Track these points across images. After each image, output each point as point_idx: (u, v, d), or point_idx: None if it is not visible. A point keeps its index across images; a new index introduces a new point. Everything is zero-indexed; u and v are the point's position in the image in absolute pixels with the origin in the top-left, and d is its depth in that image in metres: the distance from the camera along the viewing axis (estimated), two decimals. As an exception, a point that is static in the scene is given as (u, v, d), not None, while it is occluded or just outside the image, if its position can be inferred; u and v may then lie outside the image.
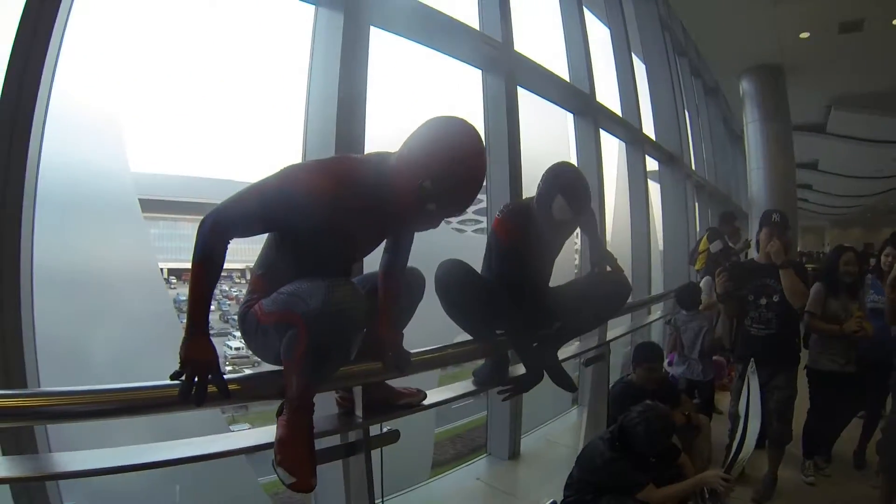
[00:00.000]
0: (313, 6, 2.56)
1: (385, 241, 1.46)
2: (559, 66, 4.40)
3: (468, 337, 1.84)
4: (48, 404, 1.07)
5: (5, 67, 1.76)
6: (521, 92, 3.58)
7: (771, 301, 2.77)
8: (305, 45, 2.63)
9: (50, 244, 2.02)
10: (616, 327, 3.55)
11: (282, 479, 1.13)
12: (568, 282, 2.08)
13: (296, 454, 1.15)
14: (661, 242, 6.10)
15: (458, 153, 1.17)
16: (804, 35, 7.38)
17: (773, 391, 2.74)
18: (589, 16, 5.10)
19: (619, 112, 5.13)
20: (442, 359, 1.70)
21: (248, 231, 1.20)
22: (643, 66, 6.26)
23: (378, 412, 1.53)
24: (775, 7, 6.46)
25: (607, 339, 2.72)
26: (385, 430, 1.61)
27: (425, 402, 1.62)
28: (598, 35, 5.33)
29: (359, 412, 1.50)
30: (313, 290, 1.11)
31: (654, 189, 6.13)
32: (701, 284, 3.97)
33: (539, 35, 4.69)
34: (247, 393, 1.22)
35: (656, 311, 4.20)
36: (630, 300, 3.78)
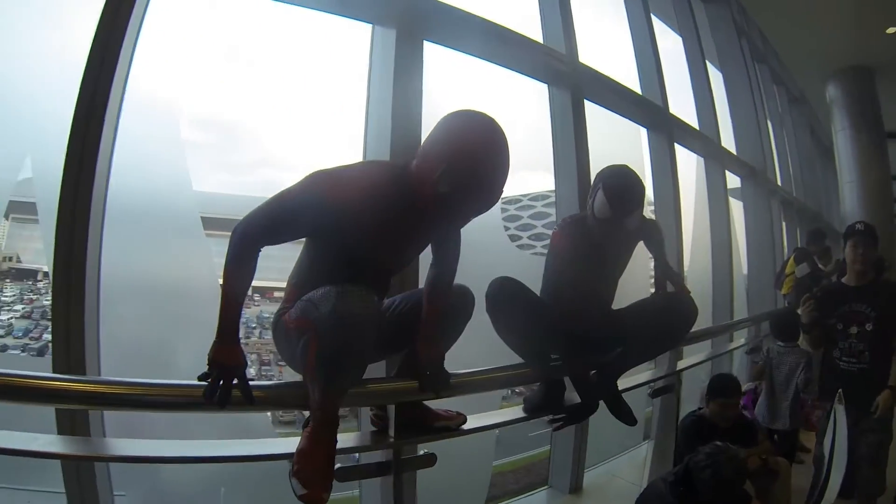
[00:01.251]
0: (370, 25, 2.54)
1: (432, 254, 1.43)
2: (629, 77, 4.15)
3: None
4: (88, 389, 1.19)
5: (78, 88, 1.91)
6: (589, 106, 3.36)
7: (863, 330, 2.36)
8: (364, 63, 2.61)
9: (117, 256, 2.15)
10: (692, 355, 3.23)
11: (294, 489, 1.12)
12: (631, 303, 1.87)
13: (312, 466, 1.14)
14: (744, 265, 5.57)
15: (469, 135, 1.16)
16: (891, 30, 6.60)
17: (864, 434, 2.33)
18: (659, 24, 4.83)
19: (695, 125, 4.77)
20: (485, 382, 1.61)
21: (275, 238, 1.19)
22: (720, 75, 5.83)
23: (412, 433, 1.49)
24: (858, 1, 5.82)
25: (678, 368, 2.49)
26: (422, 452, 1.58)
27: (466, 427, 1.56)
28: (670, 44, 5.04)
29: (391, 431, 1.46)
30: (325, 296, 1.10)
31: (737, 207, 5.63)
32: None
33: (606, 46, 4.48)
34: (271, 400, 1.27)
35: (738, 339, 3.80)
36: (710, 326, 3.44)
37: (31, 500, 2.38)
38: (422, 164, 1.20)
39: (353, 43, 2.70)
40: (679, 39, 5.17)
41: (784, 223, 6.76)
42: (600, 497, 3.03)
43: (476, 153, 1.15)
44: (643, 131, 4.13)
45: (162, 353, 2.40)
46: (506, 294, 1.63)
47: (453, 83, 3.01)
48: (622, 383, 1.87)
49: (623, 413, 1.76)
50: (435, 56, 2.60)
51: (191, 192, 2.56)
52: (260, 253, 1.19)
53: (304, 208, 1.16)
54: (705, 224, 4.83)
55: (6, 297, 8.61)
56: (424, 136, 2.32)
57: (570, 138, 3.17)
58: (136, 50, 2.28)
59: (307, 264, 1.33)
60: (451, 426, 1.54)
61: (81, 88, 1.88)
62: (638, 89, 4.13)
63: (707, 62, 5.29)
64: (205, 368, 1.15)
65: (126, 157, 2.20)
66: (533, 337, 1.64)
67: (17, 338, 7.89)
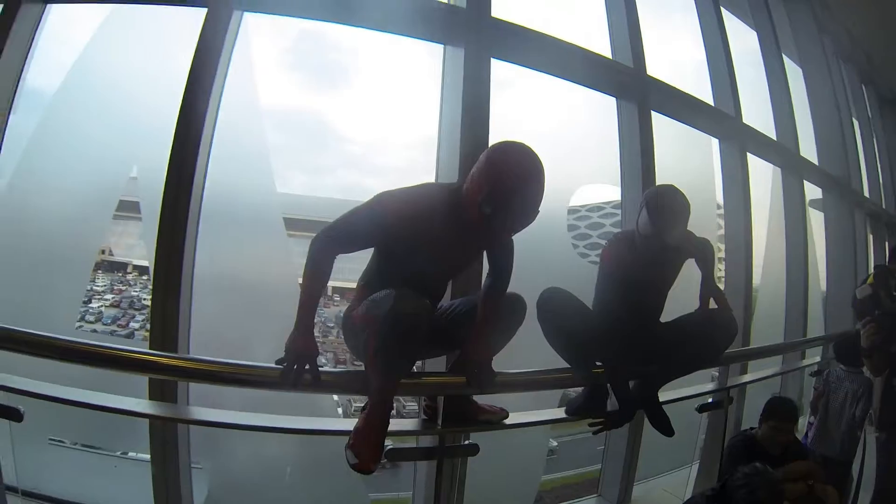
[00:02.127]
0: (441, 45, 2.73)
1: (488, 264, 1.61)
2: (701, 83, 4.01)
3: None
4: (181, 364, 1.47)
5: (181, 99, 2.29)
6: (659, 118, 3.34)
7: None
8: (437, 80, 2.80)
9: (210, 254, 2.48)
10: (758, 370, 3.20)
11: (347, 459, 1.32)
12: (677, 317, 1.94)
13: (365, 441, 1.33)
14: (823, 281, 5.22)
15: (506, 163, 1.34)
16: None
17: None
18: (734, 21, 4.62)
19: (772, 131, 4.53)
20: (528, 383, 1.76)
21: (348, 247, 1.41)
22: (800, 73, 5.47)
23: (458, 423, 1.67)
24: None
25: (727, 385, 2.46)
26: (466, 442, 1.78)
27: (507, 422, 1.71)
28: (746, 44, 4.79)
29: (439, 420, 1.65)
30: (385, 298, 1.29)
31: (819, 218, 5.30)
32: None
33: (677, 52, 4.35)
34: (336, 385, 1.48)
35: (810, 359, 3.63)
36: (778, 343, 3.30)
37: (118, 465, 2.69)
38: (469, 187, 1.38)
39: (428, 61, 2.86)
40: (755, 37, 4.90)
41: (871, 237, 6.26)
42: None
43: (511, 179, 1.32)
44: (714, 141, 3.99)
45: (244, 341, 2.62)
46: (554, 304, 1.73)
47: (521, 98, 3.06)
48: (670, 395, 1.98)
49: (661, 424, 1.85)
50: (504, 72, 2.70)
51: (275, 195, 2.82)
52: (335, 259, 1.40)
53: (370, 224, 1.38)
54: (781, 237, 4.58)
55: (98, 287, 9.36)
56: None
57: (637, 150, 3.15)
58: (230, 65, 2.54)
59: (375, 269, 1.55)
60: (493, 420, 1.70)
61: (184, 100, 2.25)
62: (710, 96, 4.00)
63: (787, 60, 4.99)
64: (281, 355, 1.36)
65: (220, 163, 2.52)
66: (578, 345, 1.72)
67: (105, 324, 8.58)
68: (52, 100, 2.59)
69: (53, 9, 2.52)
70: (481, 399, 1.74)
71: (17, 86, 2.48)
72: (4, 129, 2.42)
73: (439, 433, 1.66)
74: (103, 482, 2.66)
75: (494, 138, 2.56)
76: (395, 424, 1.46)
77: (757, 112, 4.42)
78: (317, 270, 1.37)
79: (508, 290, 1.60)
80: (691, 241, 1.89)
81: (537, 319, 1.72)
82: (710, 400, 2.43)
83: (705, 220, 3.88)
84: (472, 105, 2.48)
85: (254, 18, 2.67)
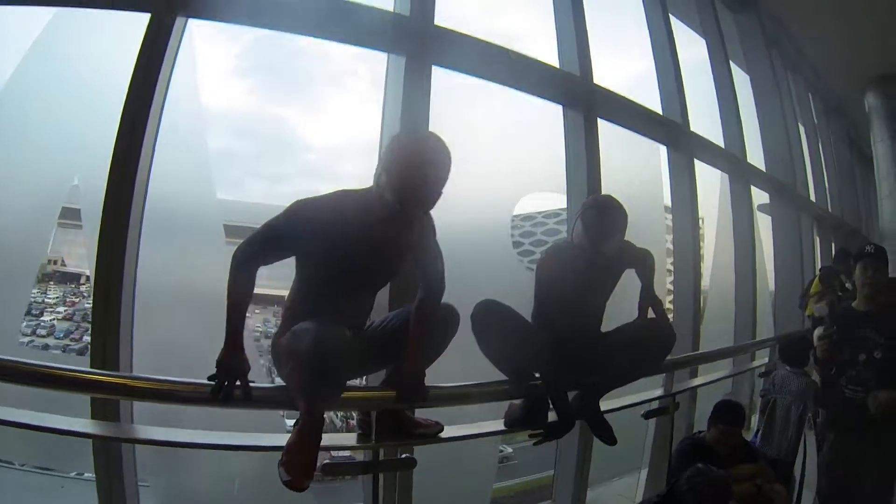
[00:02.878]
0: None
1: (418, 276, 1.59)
2: (650, 90, 4.11)
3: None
4: (112, 381, 1.49)
5: (122, 107, 2.24)
6: (607, 126, 3.39)
7: (871, 357, 2.25)
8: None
9: (151, 262, 2.39)
10: (709, 373, 3.25)
11: (280, 476, 1.28)
12: (615, 328, 1.93)
13: (297, 458, 1.29)
14: (771, 283, 5.39)
15: (398, 145, 1.39)
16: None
17: (867, 463, 2.23)
18: (684, 30, 4.75)
19: (720, 138, 4.67)
20: (462, 396, 1.76)
21: (267, 257, 1.41)
22: (748, 82, 5.67)
23: (393, 437, 1.65)
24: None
25: (673, 391, 2.44)
26: (403, 456, 1.77)
27: (443, 435, 1.69)
28: (695, 53, 4.93)
29: (373, 435, 1.63)
30: (305, 333, 1.29)
31: (767, 222, 5.46)
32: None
33: (625, 59, 4.44)
34: (269, 400, 1.48)
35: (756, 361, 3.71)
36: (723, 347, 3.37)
37: (65, 486, 2.58)
38: (375, 183, 1.41)
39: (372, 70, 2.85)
40: (704, 45, 5.05)
41: (818, 239, 6.51)
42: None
43: (400, 158, 1.36)
44: (662, 148, 4.08)
45: (187, 353, 2.48)
46: (489, 316, 1.69)
47: (461, 105, 3.07)
48: (616, 402, 2.01)
49: (604, 432, 1.85)
50: (444, 80, 2.69)
51: (214, 201, 2.78)
52: (257, 270, 1.41)
53: (287, 231, 1.38)
54: (729, 242, 4.72)
55: (49, 299, 9.00)
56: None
57: (582, 158, 3.18)
58: (173, 71, 2.48)
59: (297, 291, 1.54)
60: (428, 433, 1.68)
61: (125, 106, 2.22)
62: (658, 104, 4.09)
63: (735, 69, 5.15)
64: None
65: (162, 170, 2.44)
66: (515, 357, 1.70)
67: (58, 338, 8.24)
68: None
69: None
70: (421, 412, 1.73)
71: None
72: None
73: (373, 448, 1.64)
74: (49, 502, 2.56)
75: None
76: (328, 439, 1.45)
77: (705, 119, 4.56)
78: (239, 283, 1.38)
79: (445, 300, 1.58)
80: (631, 251, 1.91)
81: (472, 332, 1.69)
82: (657, 405, 2.44)
83: (653, 226, 3.98)
84: (412, 113, 2.46)
85: (199, 25, 2.62)
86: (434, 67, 2.60)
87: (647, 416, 2.40)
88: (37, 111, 2.55)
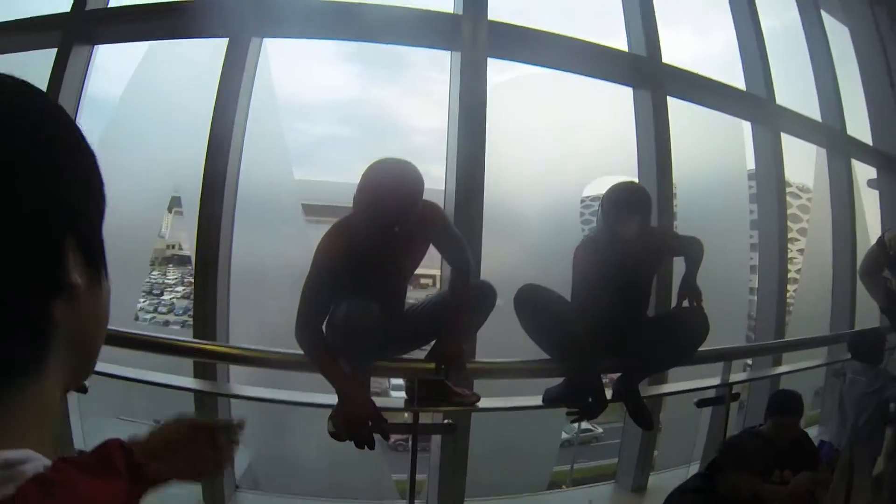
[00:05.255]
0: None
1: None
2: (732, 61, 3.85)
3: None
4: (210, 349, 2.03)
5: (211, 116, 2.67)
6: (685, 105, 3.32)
7: None
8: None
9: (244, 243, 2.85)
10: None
11: (328, 428, 1.61)
12: (655, 315, 1.98)
13: (343, 415, 1.56)
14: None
15: (368, 172, 1.49)
16: None
17: None
18: None
19: (816, 107, 4.22)
20: (499, 371, 1.99)
21: (319, 314, 1.57)
22: (847, 43, 4.89)
23: (429, 403, 1.84)
24: None
25: (730, 381, 2.31)
26: (446, 422, 2.05)
27: (481, 405, 1.87)
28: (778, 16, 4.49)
29: (414, 400, 1.81)
30: (340, 308, 1.53)
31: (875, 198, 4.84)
32: None
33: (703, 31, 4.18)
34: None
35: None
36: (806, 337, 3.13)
37: None
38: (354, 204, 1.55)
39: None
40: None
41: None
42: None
43: (365, 184, 1.48)
44: (746, 125, 3.85)
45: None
46: (531, 300, 1.78)
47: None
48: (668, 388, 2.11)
49: (641, 417, 1.89)
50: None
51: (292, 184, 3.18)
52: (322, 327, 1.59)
53: (321, 278, 1.55)
54: (827, 224, 4.33)
55: (169, 280, 10.15)
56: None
57: (652, 140, 3.13)
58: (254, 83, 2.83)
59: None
60: (464, 402, 1.85)
61: (214, 112, 2.66)
62: (741, 75, 3.83)
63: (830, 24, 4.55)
64: None
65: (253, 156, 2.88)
66: (554, 339, 1.78)
67: (178, 315, 9.33)
68: (108, 121, 3.14)
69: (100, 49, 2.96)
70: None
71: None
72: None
73: (413, 411, 1.84)
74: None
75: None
76: (379, 402, 1.65)
77: (796, 88, 4.18)
78: (314, 351, 1.57)
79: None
80: (677, 238, 1.92)
81: (516, 315, 1.80)
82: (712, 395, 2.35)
83: (735, 209, 3.79)
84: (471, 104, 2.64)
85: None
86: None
87: (700, 405, 2.34)
88: (142, 124, 3.12)
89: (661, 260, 1.95)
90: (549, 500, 3.27)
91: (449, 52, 2.83)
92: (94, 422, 2.76)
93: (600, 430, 8.41)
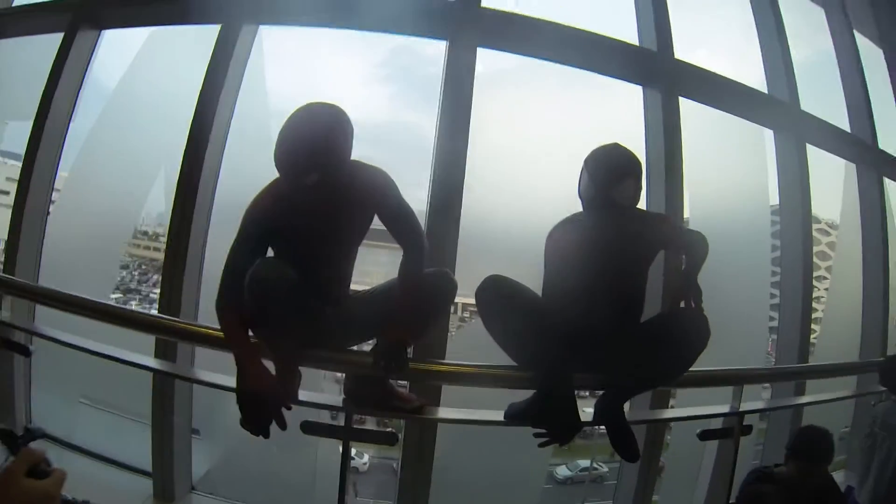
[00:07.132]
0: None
1: None
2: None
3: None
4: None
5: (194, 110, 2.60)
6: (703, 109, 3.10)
7: None
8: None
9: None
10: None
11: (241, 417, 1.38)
12: (647, 319, 1.61)
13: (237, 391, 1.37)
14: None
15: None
16: None
17: None
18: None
19: (843, 114, 3.93)
20: (446, 375, 1.63)
21: (243, 279, 1.34)
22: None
23: (365, 405, 1.59)
24: None
25: (740, 409, 1.93)
26: (388, 430, 1.75)
27: (431, 416, 1.64)
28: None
29: (344, 398, 1.59)
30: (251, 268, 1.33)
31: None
32: None
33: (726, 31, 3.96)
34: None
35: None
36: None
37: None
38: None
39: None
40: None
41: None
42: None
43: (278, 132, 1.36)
44: (769, 133, 3.58)
45: None
46: (494, 291, 1.51)
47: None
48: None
49: (623, 445, 1.51)
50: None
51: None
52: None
53: (252, 230, 1.41)
54: (857, 240, 4.00)
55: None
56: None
57: (661, 140, 2.91)
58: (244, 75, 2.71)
59: None
60: (404, 408, 1.60)
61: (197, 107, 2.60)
62: (764, 82, 3.59)
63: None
64: None
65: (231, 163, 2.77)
66: (518, 343, 1.50)
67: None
68: (104, 106, 3.08)
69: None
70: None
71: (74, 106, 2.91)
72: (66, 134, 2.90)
73: (346, 411, 1.57)
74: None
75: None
76: (304, 395, 1.51)
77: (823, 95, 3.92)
78: (224, 318, 1.40)
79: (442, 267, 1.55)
80: (682, 230, 1.65)
81: (477, 310, 1.53)
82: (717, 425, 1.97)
83: (756, 220, 3.50)
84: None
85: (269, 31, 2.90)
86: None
87: (703, 437, 1.96)
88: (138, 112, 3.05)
89: (654, 247, 1.62)
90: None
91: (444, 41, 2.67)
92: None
93: (605, 468, 7.48)
